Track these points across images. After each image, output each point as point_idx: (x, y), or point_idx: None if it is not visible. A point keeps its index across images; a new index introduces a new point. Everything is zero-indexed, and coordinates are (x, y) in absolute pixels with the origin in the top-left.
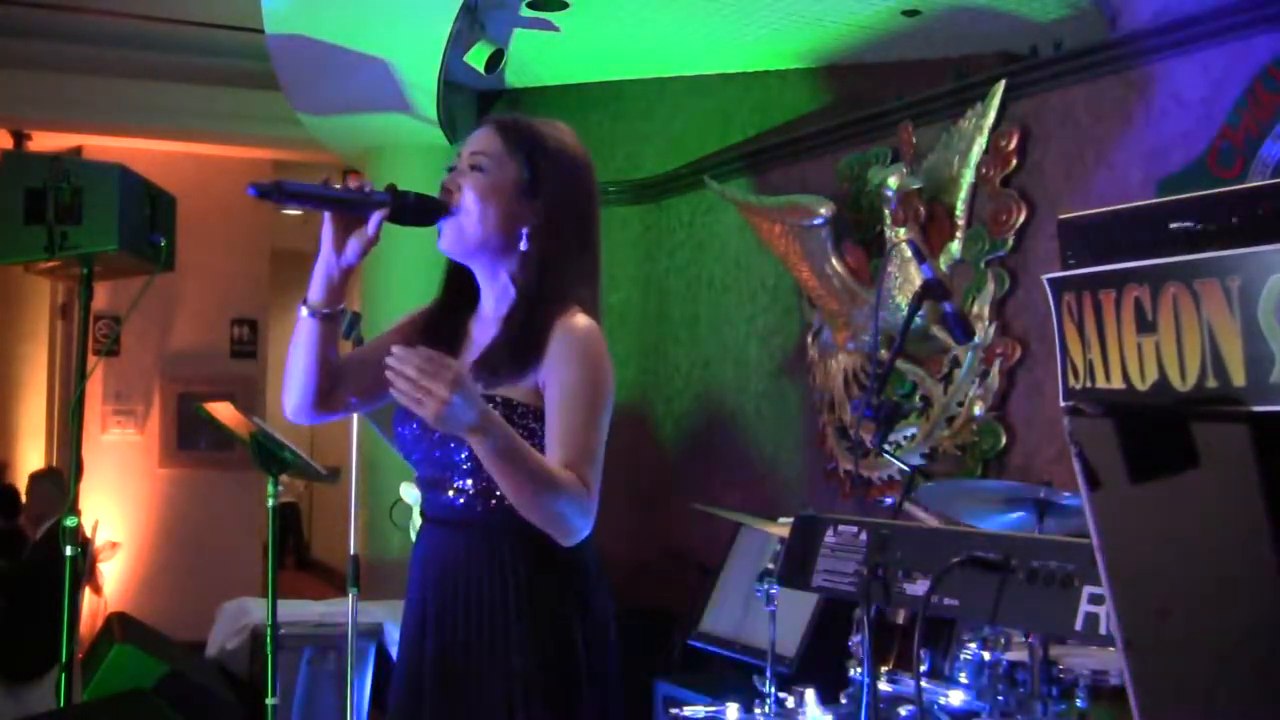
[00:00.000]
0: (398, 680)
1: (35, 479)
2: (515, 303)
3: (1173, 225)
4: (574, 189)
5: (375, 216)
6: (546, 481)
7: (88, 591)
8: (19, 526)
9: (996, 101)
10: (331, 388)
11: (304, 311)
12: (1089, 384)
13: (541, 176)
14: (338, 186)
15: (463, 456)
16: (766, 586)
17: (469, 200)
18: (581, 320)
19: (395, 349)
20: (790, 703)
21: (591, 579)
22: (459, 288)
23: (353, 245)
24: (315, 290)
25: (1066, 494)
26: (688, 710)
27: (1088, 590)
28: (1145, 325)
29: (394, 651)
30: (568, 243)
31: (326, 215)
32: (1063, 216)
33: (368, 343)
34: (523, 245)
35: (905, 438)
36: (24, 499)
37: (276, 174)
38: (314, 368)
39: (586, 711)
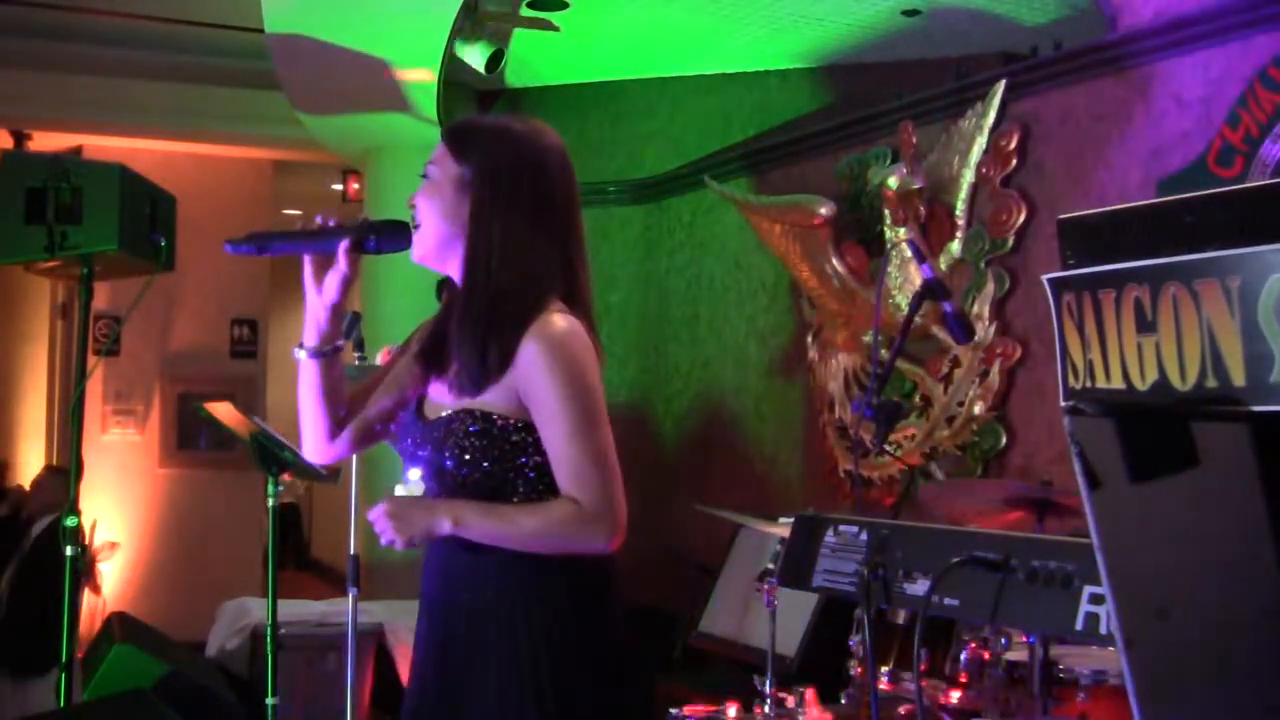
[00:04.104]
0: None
1: (43, 474)
2: (461, 301)
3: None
4: (514, 174)
5: (340, 248)
6: (534, 530)
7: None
8: (15, 518)
9: (996, 101)
10: (344, 422)
11: (300, 354)
12: (1089, 384)
13: (476, 167)
14: (313, 227)
15: (428, 470)
16: (766, 586)
17: (420, 207)
18: (554, 325)
19: (369, 514)
20: (790, 702)
21: (566, 584)
22: (452, 299)
23: (329, 281)
24: (307, 332)
25: (1066, 494)
26: (688, 710)
27: (1088, 590)
28: (1145, 325)
29: (394, 652)
30: (512, 229)
31: (305, 258)
32: (1063, 216)
33: (377, 373)
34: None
35: (905, 438)
36: (28, 492)
37: (276, 174)
38: (321, 405)
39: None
